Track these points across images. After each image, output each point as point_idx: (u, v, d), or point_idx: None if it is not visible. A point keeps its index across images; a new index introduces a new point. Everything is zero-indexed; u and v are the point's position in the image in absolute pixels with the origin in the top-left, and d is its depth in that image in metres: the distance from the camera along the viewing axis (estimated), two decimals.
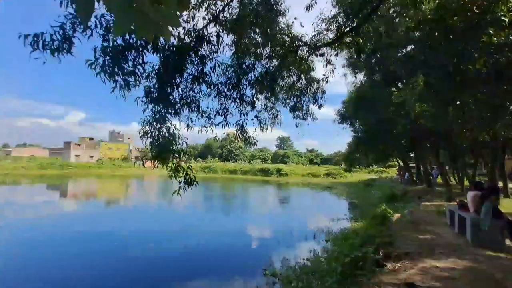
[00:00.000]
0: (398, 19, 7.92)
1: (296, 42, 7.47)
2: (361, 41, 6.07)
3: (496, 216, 5.77)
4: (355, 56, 14.09)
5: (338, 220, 13.62)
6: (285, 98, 8.25)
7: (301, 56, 7.69)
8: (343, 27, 6.17)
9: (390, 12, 7.59)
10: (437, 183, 17.70)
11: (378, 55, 12.45)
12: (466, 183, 15.89)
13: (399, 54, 7.91)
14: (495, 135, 6.53)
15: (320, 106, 8.22)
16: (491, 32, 3.71)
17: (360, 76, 17.93)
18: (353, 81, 19.06)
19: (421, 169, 19.38)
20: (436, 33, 4.27)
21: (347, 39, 7.05)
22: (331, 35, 7.29)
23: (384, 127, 15.50)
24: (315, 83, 8.10)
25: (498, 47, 3.86)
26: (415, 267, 5.19)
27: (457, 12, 3.96)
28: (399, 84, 12.93)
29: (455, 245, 6.22)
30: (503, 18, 3.97)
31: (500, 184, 12.98)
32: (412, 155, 22.82)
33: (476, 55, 4.00)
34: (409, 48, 6.50)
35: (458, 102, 4.99)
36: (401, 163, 27.97)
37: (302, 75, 8.16)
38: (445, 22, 4.14)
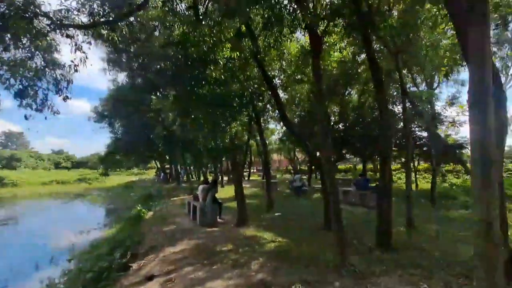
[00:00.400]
0: (157, 33, 8.61)
1: (32, 7, 5.71)
2: (117, 39, 5.86)
3: (214, 201, 8.04)
4: (115, 53, 13.24)
5: (89, 232, 11.87)
6: (8, 77, 5.96)
7: (39, 28, 5.97)
8: (97, 16, 5.61)
9: (151, 24, 8.06)
10: (184, 181, 21.54)
11: (140, 60, 12.75)
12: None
13: (158, 65, 8.58)
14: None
15: (65, 98, 6.80)
16: (212, 68, 5.24)
17: (123, 76, 17.26)
18: (114, 79, 17.91)
19: (173, 169, 22.48)
20: (180, 56, 5.23)
21: (103, 31, 6.51)
22: (84, 19, 6.34)
23: (145, 131, 16.09)
24: (59, 68, 6.61)
25: (216, 80, 5.54)
26: (157, 258, 5.80)
27: (194, 44, 5.10)
28: (158, 93, 14.11)
29: (189, 229, 7.80)
30: (219, 60, 5.69)
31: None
32: (168, 157, 25.70)
33: (203, 82, 5.43)
34: (164, 62, 7.29)
35: (193, 116, 6.45)
36: (159, 165, 30.46)
37: (38, 52, 6.34)
38: (186, 49, 5.18)
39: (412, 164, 14.34)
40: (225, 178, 22.01)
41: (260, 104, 10.53)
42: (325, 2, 5.15)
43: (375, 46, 6.89)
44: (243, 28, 5.92)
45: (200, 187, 8.40)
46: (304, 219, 8.36)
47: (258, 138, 15.04)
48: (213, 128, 7.21)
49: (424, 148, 11.83)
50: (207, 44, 5.43)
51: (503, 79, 21.94)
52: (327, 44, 7.24)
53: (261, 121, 12.42)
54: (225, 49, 5.53)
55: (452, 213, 8.13)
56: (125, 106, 16.38)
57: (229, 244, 6.05)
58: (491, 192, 2.19)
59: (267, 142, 30.70)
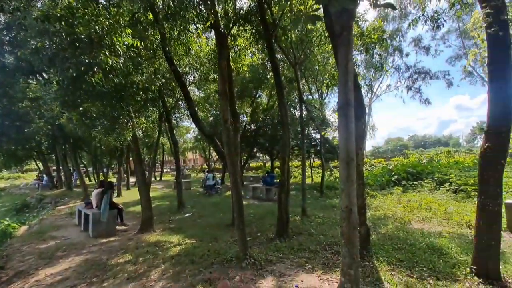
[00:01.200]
0: (39, 3, 6.89)
1: None
2: None
3: (111, 207, 7.06)
4: None
5: None
6: None
7: None
8: None
9: None
10: (78, 185, 18.03)
11: (14, 34, 9.96)
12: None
13: (35, 43, 6.90)
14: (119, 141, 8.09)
15: None
16: (107, 54, 4.55)
17: None
18: None
19: (63, 171, 18.57)
20: (64, 35, 4.32)
21: None
22: None
23: (17, 124, 12.55)
24: None
25: (112, 68, 4.84)
26: (27, 285, 4.63)
27: (83, 24, 4.30)
28: (39, 77, 11.30)
29: (78, 243, 6.57)
30: (118, 47, 5.02)
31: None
32: (54, 157, 20.94)
33: (96, 69, 4.66)
34: (41, 39, 5.84)
35: (81, 109, 5.45)
36: (42, 166, 24.55)
37: None
38: (72, 27, 4.31)
39: (308, 161, 16.66)
40: (132, 180, 19.77)
41: (171, 100, 9.92)
42: (232, 7, 5.29)
43: (279, 56, 7.60)
44: (149, 15, 5.43)
45: (94, 191, 7.22)
46: (214, 217, 8.40)
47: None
48: (112, 124, 6.32)
49: (318, 148, 13.91)
50: (100, 26, 4.68)
51: (369, 95, 28.12)
52: (239, 48, 7.47)
53: (173, 118, 11.75)
54: (125, 34, 4.91)
55: (334, 201, 9.84)
56: None
57: (127, 254, 5.43)
58: (352, 184, 2.73)
59: (182, 140, 29.33)
